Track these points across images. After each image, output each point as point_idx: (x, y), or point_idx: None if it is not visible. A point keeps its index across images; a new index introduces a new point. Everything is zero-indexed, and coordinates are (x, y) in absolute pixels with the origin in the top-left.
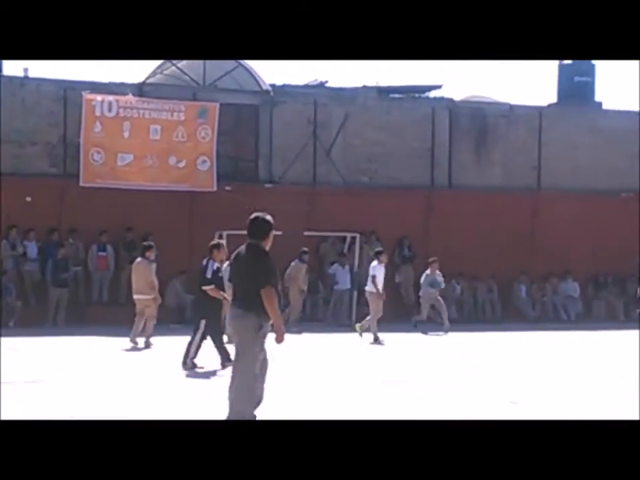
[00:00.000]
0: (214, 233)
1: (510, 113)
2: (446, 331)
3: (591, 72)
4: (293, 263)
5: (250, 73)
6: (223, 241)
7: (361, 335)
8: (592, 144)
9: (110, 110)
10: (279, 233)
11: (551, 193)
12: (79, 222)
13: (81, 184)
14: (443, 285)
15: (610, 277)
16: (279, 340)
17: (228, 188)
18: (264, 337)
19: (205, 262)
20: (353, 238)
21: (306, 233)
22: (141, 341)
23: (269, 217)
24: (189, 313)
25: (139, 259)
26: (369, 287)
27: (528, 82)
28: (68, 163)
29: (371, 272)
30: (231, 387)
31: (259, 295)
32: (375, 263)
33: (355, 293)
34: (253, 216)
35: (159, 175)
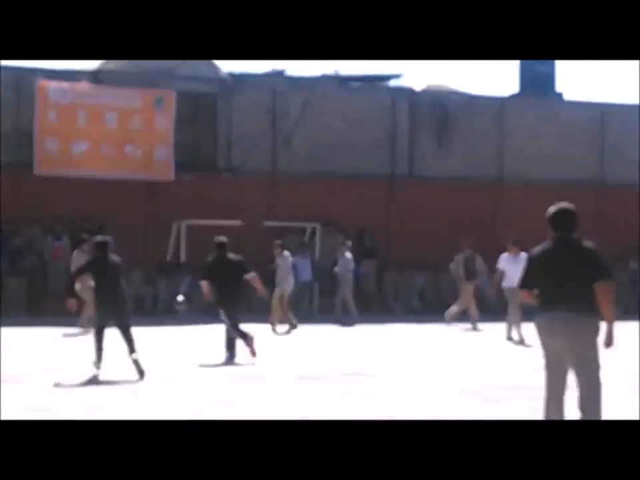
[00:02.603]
0: (172, 223)
1: (471, 102)
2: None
3: (551, 63)
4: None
5: (208, 61)
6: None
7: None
8: (553, 134)
9: (64, 97)
10: (239, 222)
11: (513, 183)
12: (35, 211)
13: (35, 172)
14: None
15: None
16: (609, 344)
17: (186, 177)
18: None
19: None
20: (313, 228)
21: (267, 223)
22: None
23: (573, 207)
24: (147, 304)
25: (76, 251)
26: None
27: (489, 72)
28: (22, 152)
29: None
30: (582, 398)
31: (592, 293)
32: (506, 254)
33: (317, 285)
34: (559, 207)
35: (116, 163)
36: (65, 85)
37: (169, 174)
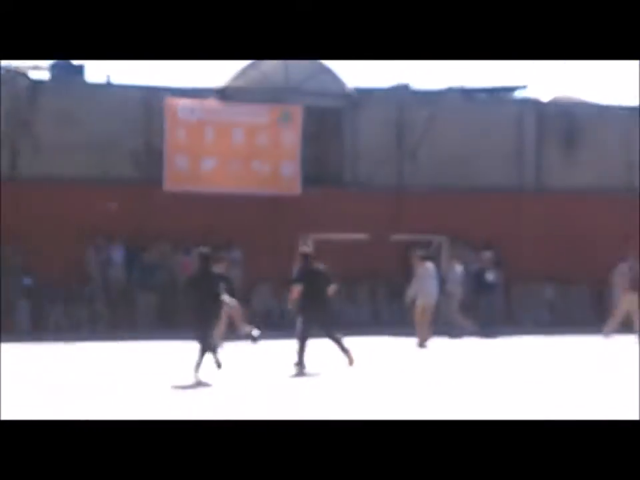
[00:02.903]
0: (299, 237)
1: (600, 113)
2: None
3: None
4: None
5: (333, 76)
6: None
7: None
8: None
9: (193, 114)
10: (365, 236)
11: None
12: (163, 227)
13: (165, 189)
14: None
15: None
16: None
17: (313, 192)
18: None
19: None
20: (440, 241)
21: (393, 237)
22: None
23: None
24: (274, 317)
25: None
26: None
27: (619, 81)
28: (152, 169)
29: None
30: None
31: None
32: None
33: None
34: None
35: (243, 179)
36: (193, 102)
37: (296, 188)
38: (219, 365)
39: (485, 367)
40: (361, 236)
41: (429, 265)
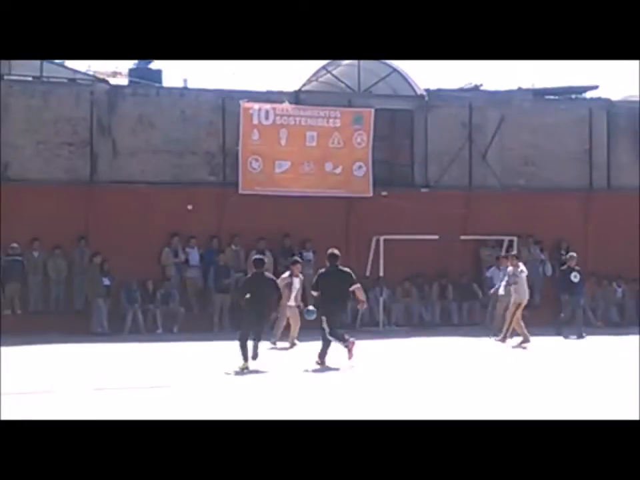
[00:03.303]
0: (371, 238)
1: None
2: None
3: None
4: None
5: (404, 78)
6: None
7: None
8: None
9: (267, 118)
10: (436, 237)
11: None
12: (238, 229)
13: (240, 191)
14: None
15: None
16: None
17: (384, 193)
18: None
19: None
20: (510, 241)
21: (462, 237)
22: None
23: None
24: (346, 318)
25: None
26: None
27: None
28: (227, 171)
29: None
30: None
31: None
32: None
33: None
34: None
35: (316, 181)
36: (267, 106)
37: (368, 190)
38: (255, 357)
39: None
40: (431, 236)
41: (522, 265)
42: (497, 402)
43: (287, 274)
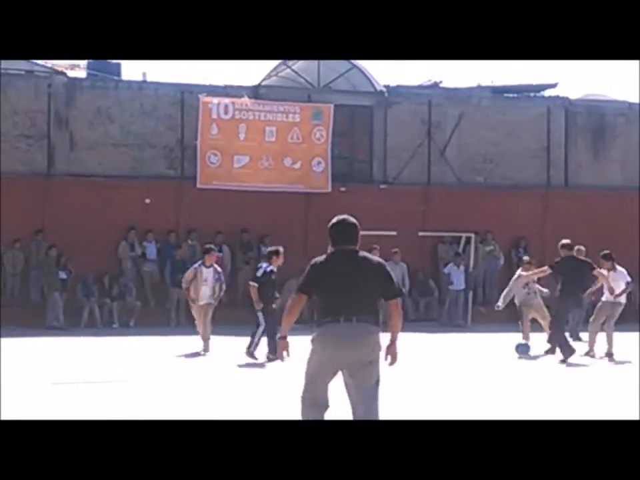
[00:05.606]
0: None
1: (629, 110)
2: None
3: None
4: None
5: (364, 75)
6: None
7: None
8: None
9: (226, 112)
10: (394, 233)
11: None
12: (196, 223)
13: (198, 186)
14: None
15: None
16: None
17: (343, 189)
18: None
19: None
20: (468, 238)
21: (420, 234)
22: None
23: None
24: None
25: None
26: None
27: None
28: (185, 165)
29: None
30: None
31: None
32: None
33: (470, 294)
34: None
35: (275, 176)
36: (226, 100)
37: (326, 186)
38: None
39: None
40: (389, 233)
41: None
42: (496, 402)
43: (197, 263)
